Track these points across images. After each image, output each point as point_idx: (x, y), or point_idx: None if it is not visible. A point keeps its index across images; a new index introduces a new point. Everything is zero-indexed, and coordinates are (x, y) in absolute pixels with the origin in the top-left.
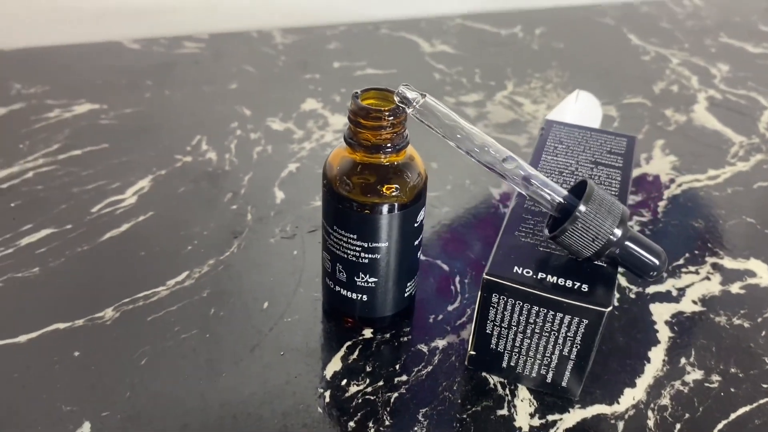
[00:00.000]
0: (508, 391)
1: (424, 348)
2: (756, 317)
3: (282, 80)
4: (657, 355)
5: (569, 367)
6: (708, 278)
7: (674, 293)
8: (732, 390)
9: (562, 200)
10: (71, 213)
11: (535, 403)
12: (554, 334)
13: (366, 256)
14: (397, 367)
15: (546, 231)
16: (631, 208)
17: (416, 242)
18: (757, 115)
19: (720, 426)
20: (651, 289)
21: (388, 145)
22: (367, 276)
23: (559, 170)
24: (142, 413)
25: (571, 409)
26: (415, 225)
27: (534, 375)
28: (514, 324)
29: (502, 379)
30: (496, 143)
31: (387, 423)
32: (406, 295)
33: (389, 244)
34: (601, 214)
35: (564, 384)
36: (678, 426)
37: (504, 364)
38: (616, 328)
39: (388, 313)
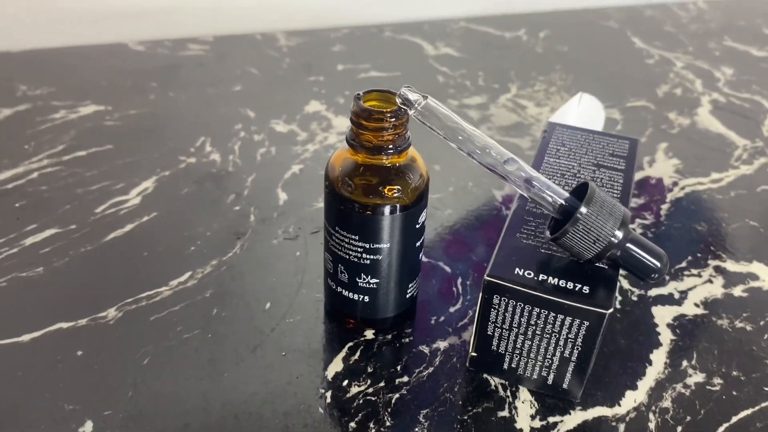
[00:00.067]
0: (509, 393)
1: (425, 349)
2: (758, 320)
3: (286, 82)
4: (659, 358)
5: (570, 369)
6: (710, 281)
7: (676, 296)
8: (734, 393)
9: (563, 202)
10: (75, 213)
11: (536, 405)
12: (555, 335)
13: (368, 257)
14: (399, 368)
15: (547, 233)
16: (634, 211)
17: (418, 243)
18: (761, 119)
19: (721, 429)
20: (653, 292)
21: (390, 146)
22: (369, 277)
23: (561, 173)
24: (144, 412)
25: (572, 411)
26: (417, 226)
27: (535, 377)
28: (515, 325)
29: (503, 381)
30: (498, 145)
31: (388, 424)
32: (407, 296)
33: (391, 245)
34: (602, 216)
35: (565, 386)
36: (679, 429)
37: (505, 366)
38: (617, 330)
39: (390, 314)
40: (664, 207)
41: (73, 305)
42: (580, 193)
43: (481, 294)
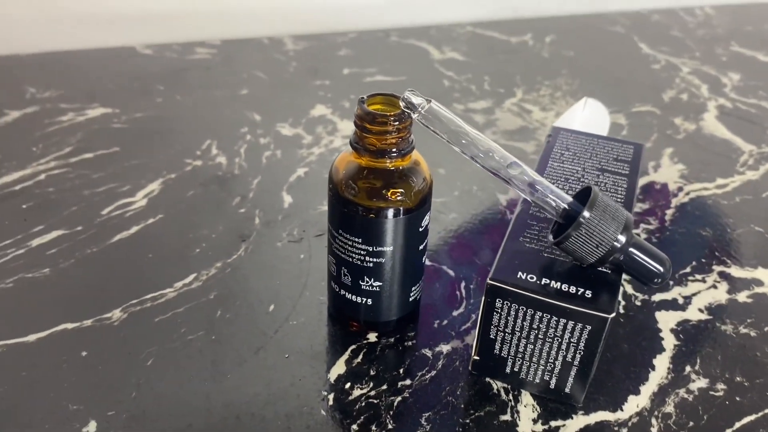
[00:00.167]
0: (511, 397)
1: (428, 353)
2: (763, 326)
3: (292, 86)
4: (662, 363)
5: (572, 373)
6: (715, 287)
7: (680, 301)
8: (737, 399)
9: (566, 206)
10: (82, 215)
11: (538, 409)
12: (557, 339)
13: (371, 259)
14: (401, 371)
15: (550, 237)
16: (639, 216)
17: (421, 247)
18: (767, 125)
19: None
20: (657, 297)
21: (394, 149)
22: (372, 280)
23: (565, 177)
24: (147, 413)
25: (574, 416)
26: (420, 229)
27: (537, 381)
28: (518, 329)
29: (505, 385)
30: (501, 149)
31: (390, 427)
32: (410, 299)
33: (394, 249)
34: (605, 220)
35: (567, 390)
36: None
37: (507, 370)
38: (621, 335)
39: (393, 318)
40: (669, 212)
41: (79, 306)
42: (584, 197)
43: (483, 297)
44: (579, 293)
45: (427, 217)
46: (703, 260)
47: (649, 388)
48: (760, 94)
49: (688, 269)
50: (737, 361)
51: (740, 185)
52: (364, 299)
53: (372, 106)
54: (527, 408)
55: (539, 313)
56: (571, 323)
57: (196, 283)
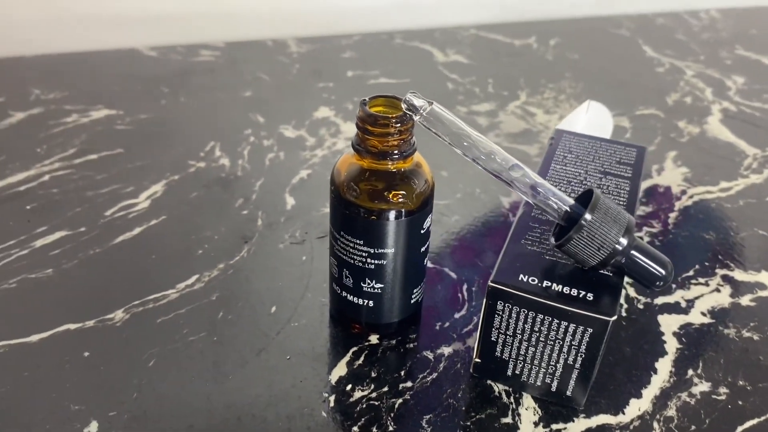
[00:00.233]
0: (512, 399)
1: (429, 355)
2: (766, 330)
3: (296, 88)
4: (664, 366)
5: (574, 376)
6: (718, 290)
7: (683, 304)
8: (739, 403)
9: (568, 209)
10: (85, 216)
11: (539, 412)
12: (559, 342)
13: (372, 261)
14: (402, 373)
15: (552, 239)
16: (642, 219)
17: (423, 249)
18: None
19: None
20: (659, 300)
21: (395, 151)
22: (374, 282)
23: (567, 180)
24: (149, 413)
25: (575, 419)
26: (422, 232)
27: (539, 383)
28: (519, 332)
29: (507, 387)
30: (503, 151)
31: (391, 429)
32: (412, 301)
33: (396, 250)
34: (606, 223)
35: (569, 393)
36: None
37: (509, 372)
38: (623, 338)
39: (395, 320)
40: (672, 215)
41: (81, 307)
42: (586, 200)
43: (485, 300)
44: (580, 296)
45: (428, 219)
46: (707, 264)
47: (651, 392)
48: (764, 97)
49: (691, 273)
50: (740, 365)
51: (744, 188)
52: (366, 301)
53: (374, 108)
54: (528, 411)
55: (540, 316)
56: (572, 326)
57: (198, 284)
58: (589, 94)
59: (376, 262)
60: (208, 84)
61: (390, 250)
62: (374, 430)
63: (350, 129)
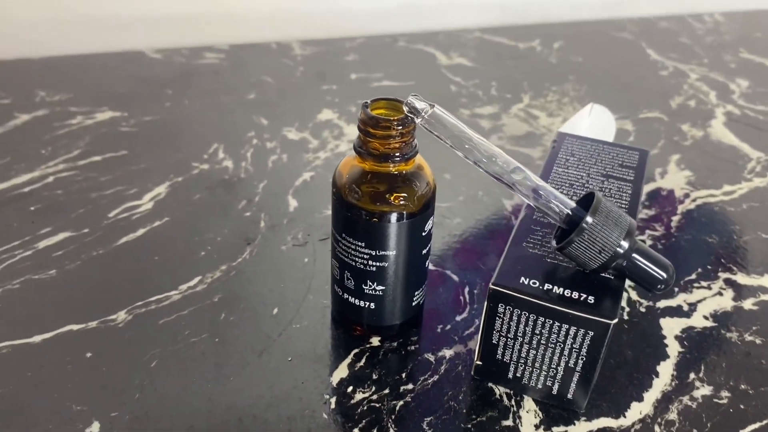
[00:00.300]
0: (513, 402)
1: (431, 357)
2: None
3: (299, 91)
4: (666, 370)
5: (575, 379)
6: (720, 294)
7: (685, 308)
8: (741, 407)
9: (569, 212)
10: (89, 217)
11: (540, 415)
12: (560, 345)
13: (374, 264)
14: (404, 375)
15: (553, 242)
16: (645, 222)
17: (424, 251)
18: None
19: None
20: (661, 304)
21: (397, 154)
22: (375, 284)
23: (569, 182)
24: (150, 414)
25: (576, 422)
26: (423, 234)
27: (540, 386)
28: (520, 334)
29: (508, 390)
30: (504, 154)
31: (391, 431)
32: (414, 303)
33: (397, 253)
34: (608, 226)
35: (570, 396)
36: None
37: (510, 375)
38: (624, 341)
39: (396, 322)
40: (675, 219)
41: (84, 308)
42: (587, 203)
43: (486, 302)
44: (581, 299)
45: (430, 222)
46: (709, 267)
47: (652, 395)
48: None
49: (693, 276)
50: (742, 369)
51: (747, 192)
52: (367, 303)
53: (376, 111)
54: (529, 413)
55: (542, 319)
56: (573, 329)
57: (200, 285)
58: (592, 98)
59: (378, 264)
60: (212, 86)
61: (391, 253)
62: (375, 431)
63: (353, 131)
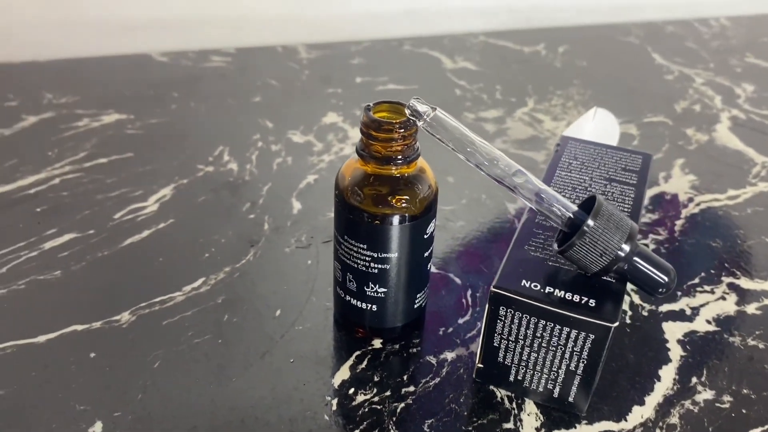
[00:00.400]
0: (514, 405)
1: (432, 360)
2: None
3: (305, 94)
4: (668, 374)
5: (576, 382)
6: (723, 298)
7: (688, 312)
8: (743, 411)
9: (571, 215)
10: (94, 219)
11: (541, 418)
12: (561, 348)
13: (376, 266)
14: (405, 377)
15: (555, 245)
16: (648, 226)
17: (426, 254)
18: None
19: None
20: (664, 308)
21: (399, 157)
22: (377, 286)
23: (572, 186)
24: (153, 414)
25: (577, 425)
26: (425, 237)
27: (541, 389)
28: (522, 337)
29: (509, 393)
30: (506, 157)
31: None
32: (416, 306)
33: (399, 255)
34: (609, 229)
35: (571, 399)
36: None
37: (511, 378)
38: (626, 345)
39: (398, 324)
40: (679, 223)
41: (88, 308)
42: (589, 206)
43: (487, 305)
44: (583, 302)
45: (432, 224)
46: (713, 271)
47: (654, 399)
48: None
49: (696, 280)
50: (744, 374)
51: (752, 197)
52: (369, 305)
53: (378, 114)
54: (530, 417)
55: (543, 322)
56: (574, 332)
57: (204, 287)
58: (597, 102)
59: (380, 266)
60: (218, 89)
61: (393, 255)
62: None
63: (358, 135)
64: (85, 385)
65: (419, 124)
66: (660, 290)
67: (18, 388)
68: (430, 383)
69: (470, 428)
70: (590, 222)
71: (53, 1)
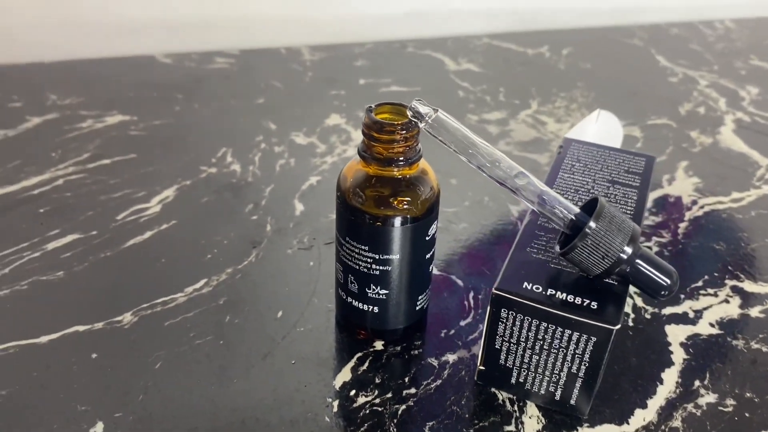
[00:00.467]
0: (516, 408)
1: (434, 362)
2: None
3: (308, 96)
4: (670, 377)
5: (578, 384)
6: (727, 301)
7: (691, 315)
8: (746, 415)
9: (573, 217)
10: (97, 220)
11: (543, 421)
12: (563, 351)
13: (377, 267)
14: (407, 379)
15: (557, 247)
16: (651, 228)
17: (428, 255)
18: None
19: None
20: (667, 311)
21: (401, 158)
22: (379, 288)
23: (575, 188)
24: (154, 415)
25: (579, 428)
26: (427, 238)
27: (543, 392)
28: (523, 340)
29: (510, 395)
30: (508, 159)
31: None
32: (417, 308)
33: (401, 257)
34: (611, 231)
35: (573, 402)
36: None
37: (513, 380)
38: (629, 348)
39: (400, 326)
40: (682, 225)
41: (91, 309)
42: (591, 208)
43: (489, 307)
44: (585, 304)
45: (434, 226)
46: (716, 274)
47: (656, 402)
48: None
49: (700, 283)
50: (748, 377)
51: (756, 199)
52: (371, 307)
53: (380, 115)
54: (532, 419)
55: (544, 324)
56: (576, 334)
57: (206, 288)
58: (600, 104)
59: (381, 268)
60: (222, 91)
61: (395, 257)
62: None
63: (361, 136)
64: (86, 386)
65: (421, 125)
66: (662, 293)
67: (20, 389)
68: (432, 385)
69: (471, 431)
70: (592, 224)
71: (58, 2)
